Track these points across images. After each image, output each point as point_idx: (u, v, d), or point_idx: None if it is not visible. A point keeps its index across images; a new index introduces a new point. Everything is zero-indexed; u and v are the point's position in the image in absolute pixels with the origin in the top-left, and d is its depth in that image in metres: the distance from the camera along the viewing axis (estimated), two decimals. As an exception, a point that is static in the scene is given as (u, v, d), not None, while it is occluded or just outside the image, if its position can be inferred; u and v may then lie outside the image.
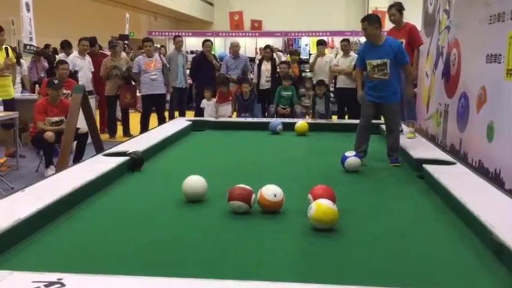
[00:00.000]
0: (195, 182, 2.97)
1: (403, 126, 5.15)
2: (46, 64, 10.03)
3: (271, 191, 2.72)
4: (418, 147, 4.37)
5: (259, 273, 1.96)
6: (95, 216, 2.71)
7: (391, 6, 5.28)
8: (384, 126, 5.38)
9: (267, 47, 9.15)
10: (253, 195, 2.72)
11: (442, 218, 2.74)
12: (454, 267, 2.12)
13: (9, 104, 6.88)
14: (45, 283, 1.68)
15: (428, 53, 6.54)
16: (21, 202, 2.59)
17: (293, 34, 19.42)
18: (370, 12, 21.21)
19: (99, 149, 5.00)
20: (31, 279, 1.71)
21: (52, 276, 1.73)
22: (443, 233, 2.53)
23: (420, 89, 7.02)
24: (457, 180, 3.17)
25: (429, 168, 3.50)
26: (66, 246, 2.27)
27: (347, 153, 3.89)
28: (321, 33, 16.70)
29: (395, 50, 4.20)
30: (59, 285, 1.67)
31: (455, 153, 4.91)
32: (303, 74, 9.03)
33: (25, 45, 9.31)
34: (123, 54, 10.11)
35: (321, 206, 2.46)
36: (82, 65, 8.28)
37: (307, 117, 7.34)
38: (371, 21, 4.22)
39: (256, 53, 17.09)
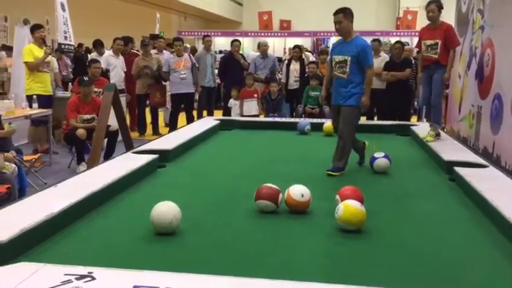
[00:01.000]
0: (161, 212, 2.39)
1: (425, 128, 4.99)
2: (68, 62, 10.18)
3: (298, 191, 2.71)
4: (449, 150, 4.28)
5: (285, 272, 1.96)
6: (124, 213, 2.75)
7: (430, 2, 5.04)
8: (414, 129, 5.31)
9: (296, 46, 9.12)
10: (281, 195, 2.72)
11: (474, 221, 2.68)
12: (486, 270, 2.08)
13: (47, 100, 7.08)
14: (77, 276, 1.73)
15: (461, 54, 6.40)
16: (53, 197, 2.66)
17: (322, 34, 19.32)
18: (401, 12, 20.94)
19: (129, 146, 5.08)
20: (63, 272, 1.75)
21: (83, 270, 1.78)
22: (474, 236, 2.48)
23: (452, 90, 6.88)
24: (490, 183, 3.10)
25: (460, 171, 3.43)
26: (96, 241, 2.32)
27: (376, 154, 3.86)
28: (350, 33, 16.54)
29: (359, 49, 3.89)
30: (89, 279, 1.71)
31: (488, 156, 4.79)
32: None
33: (60, 44, 9.51)
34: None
35: (349, 207, 2.44)
36: (116, 64, 8.44)
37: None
38: (346, 13, 3.93)
39: (285, 52, 17.08)
